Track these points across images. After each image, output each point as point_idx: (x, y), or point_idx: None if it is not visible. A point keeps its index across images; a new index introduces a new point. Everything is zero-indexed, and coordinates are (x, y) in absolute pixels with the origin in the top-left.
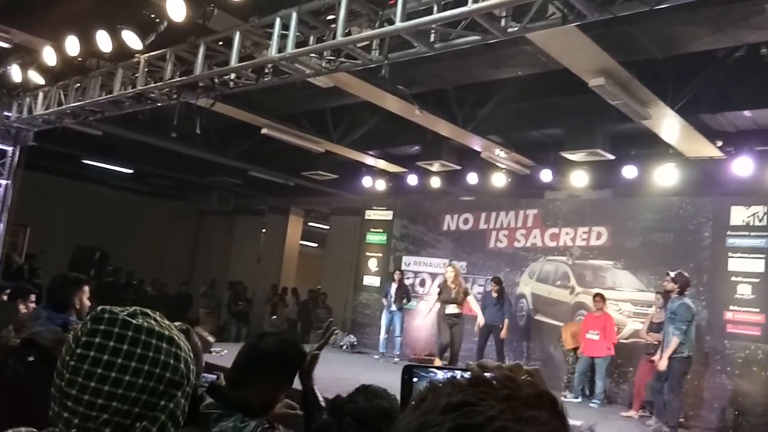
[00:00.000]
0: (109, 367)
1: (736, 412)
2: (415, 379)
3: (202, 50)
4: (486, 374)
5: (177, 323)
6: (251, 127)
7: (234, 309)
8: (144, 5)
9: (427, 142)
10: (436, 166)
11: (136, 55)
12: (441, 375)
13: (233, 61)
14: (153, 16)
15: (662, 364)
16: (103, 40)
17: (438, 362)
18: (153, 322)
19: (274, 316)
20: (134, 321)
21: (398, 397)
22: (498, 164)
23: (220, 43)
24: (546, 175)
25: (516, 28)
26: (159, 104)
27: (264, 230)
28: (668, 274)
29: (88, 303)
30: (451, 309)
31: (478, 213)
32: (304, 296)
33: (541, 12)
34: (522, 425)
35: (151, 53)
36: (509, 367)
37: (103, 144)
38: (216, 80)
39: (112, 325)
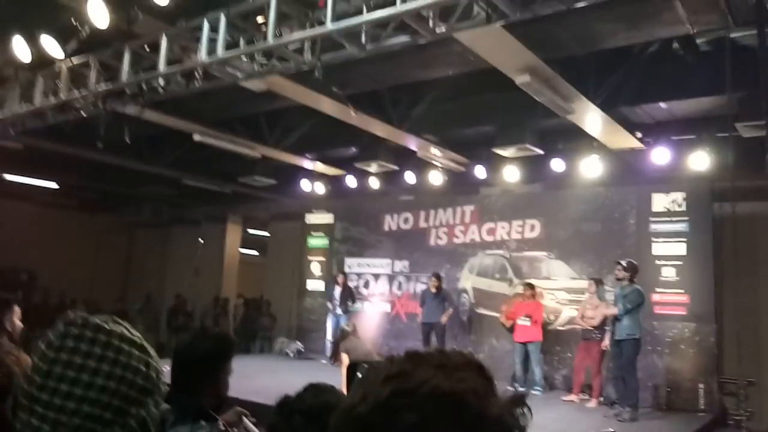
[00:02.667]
0: (82, 370)
1: (668, 389)
2: (359, 374)
3: (127, 56)
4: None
5: (101, 316)
6: (183, 135)
7: (173, 324)
8: (63, 11)
9: (363, 143)
10: (374, 167)
11: (58, 62)
12: None
13: (161, 66)
14: (74, 21)
15: (605, 343)
16: (20, 47)
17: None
18: (124, 329)
19: (216, 328)
20: (107, 326)
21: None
22: (434, 163)
23: (147, 48)
24: (480, 172)
25: (443, 29)
26: (84, 114)
27: (201, 240)
28: (619, 263)
29: (20, 324)
30: None
31: (418, 212)
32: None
33: (466, 12)
34: (452, 382)
35: (74, 60)
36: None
37: (25, 158)
38: (144, 86)
39: (85, 329)
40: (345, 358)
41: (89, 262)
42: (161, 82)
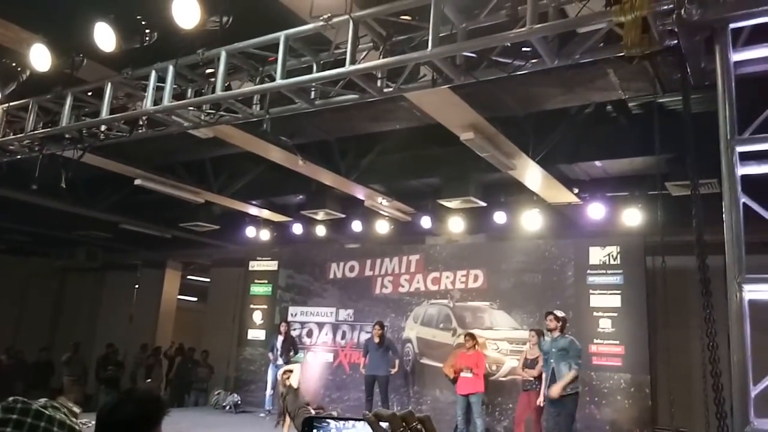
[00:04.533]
0: None
1: None
2: (314, 430)
3: (69, 101)
4: (381, 423)
5: (41, 400)
6: (123, 178)
7: (102, 374)
8: (3, 53)
9: (311, 191)
10: (321, 215)
11: None
12: (338, 425)
13: (104, 113)
14: (14, 64)
15: (555, 392)
16: None
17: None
18: (63, 415)
19: (149, 380)
20: (47, 412)
21: None
22: (381, 212)
23: (90, 93)
24: (426, 222)
25: (391, 89)
26: (19, 156)
27: (137, 286)
28: (552, 314)
29: None
30: None
31: (364, 260)
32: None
33: (413, 74)
34: None
35: (12, 103)
36: (402, 415)
37: None
38: (84, 132)
39: (25, 416)
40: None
41: (15, 307)
42: (103, 128)
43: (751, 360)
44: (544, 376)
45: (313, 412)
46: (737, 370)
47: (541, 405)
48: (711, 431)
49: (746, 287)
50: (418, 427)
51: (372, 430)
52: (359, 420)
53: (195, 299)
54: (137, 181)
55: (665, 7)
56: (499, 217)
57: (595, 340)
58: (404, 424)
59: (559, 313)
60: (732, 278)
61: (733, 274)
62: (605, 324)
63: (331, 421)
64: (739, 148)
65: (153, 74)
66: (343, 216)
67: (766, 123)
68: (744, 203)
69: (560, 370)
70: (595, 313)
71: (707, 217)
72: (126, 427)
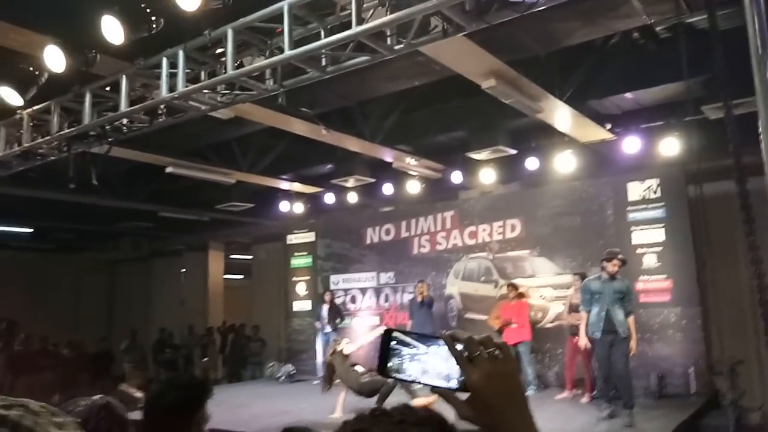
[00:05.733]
0: None
1: (660, 376)
2: (395, 345)
3: (88, 98)
4: (457, 345)
5: (95, 397)
6: (155, 167)
7: (160, 357)
8: (20, 58)
9: (338, 159)
10: (350, 182)
11: (18, 110)
12: (423, 347)
13: (123, 106)
14: (31, 68)
15: (634, 347)
16: None
17: None
18: (36, 421)
19: (206, 358)
20: (10, 416)
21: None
22: (410, 172)
23: (107, 88)
24: (457, 177)
25: (402, 45)
26: (49, 158)
27: (184, 270)
28: (618, 257)
29: None
30: None
31: (398, 222)
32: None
33: (423, 27)
34: None
35: (34, 107)
36: (480, 339)
37: None
38: (107, 127)
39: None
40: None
41: (71, 302)
42: (125, 121)
43: None
44: (585, 315)
45: (362, 370)
46: None
47: (584, 347)
48: (764, 360)
49: None
50: (496, 352)
51: (449, 350)
52: (437, 338)
53: (242, 277)
54: (168, 169)
55: None
56: (531, 163)
57: (642, 277)
58: (482, 347)
59: (622, 256)
60: None
61: None
62: (650, 260)
63: (413, 340)
64: None
65: (164, 61)
66: (373, 180)
67: None
68: None
69: (615, 313)
70: (639, 250)
71: (748, 138)
72: (170, 413)
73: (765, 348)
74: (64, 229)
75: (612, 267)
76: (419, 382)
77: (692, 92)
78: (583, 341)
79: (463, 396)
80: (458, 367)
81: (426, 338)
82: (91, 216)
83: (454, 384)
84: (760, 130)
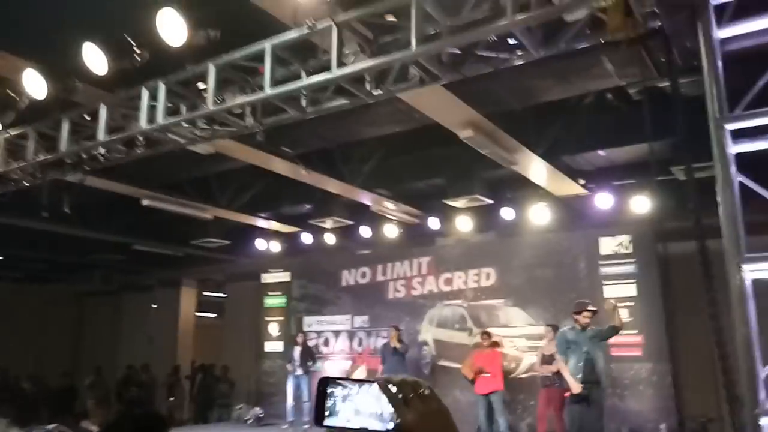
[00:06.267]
0: None
1: (630, 430)
2: (329, 390)
3: (66, 126)
4: (391, 387)
5: (50, 426)
6: (131, 199)
7: (125, 395)
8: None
9: (317, 200)
10: (329, 223)
11: None
12: (352, 386)
13: (101, 135)
14: (11, 93)
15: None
16: None
17: None
18: None
19: (172, 398)
20: None
21: None
22: (388, 216)
23: (86, 117)
24: (434, 223)
25: (381, 91)
26: (24, 184)
27: (155, 306)
28: (586, 308)
29: None
30: None
31: (375, 265)
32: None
33: (401, 75)
34: None
35: (11, 132)
36: (411, 381)
37: None
38: (84, 155)
39: None
40: None
41: (35, 334)
42: (102, 150)
43: (758, 341)
44: (567, 365)
45: None
46: (742, 351)
47: (578, 391)
48: (736, 418)
49: (746, 267)
50: (426, 392)
51: (383, 393)
52: (372, 383)
53: (214, 315)
54: (144, 201)
55: None
56: (507, 213)
57: None
58: (413, 389)
59: (592, 306)
60: (731, 259)
61: (731, 255)
62: (622, 314)
63: (346, 382)
64: (731, 126)
65: (145, 93)
66: (351, 223)
67: (760, 100)
68: (741, 182)
69: (597, 359)
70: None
71: (712, 201)
72: None
73: (727, 403)
74: (33, 259)
75: (583, 319)
76: (353, 429)
77: (661, 153)
78: (575, 387)
79: None
80: (390, 407)
81: (360, 382)
82: (62, 246)
83: (390, 426)
84: (718, 190)
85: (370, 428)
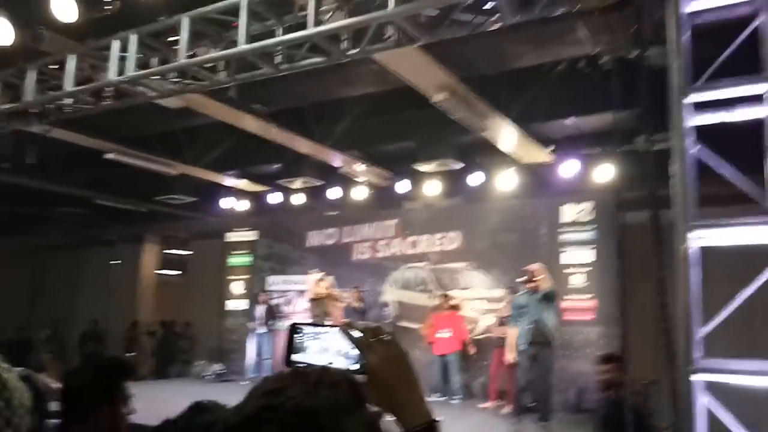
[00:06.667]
0: None
1: (579, 391)
2: (296, 335)
3: (32, 75)
4: (353, 332)
5: (18, 368)
6: (96, 152)
7: (83, 350)
8: None
9: (287, 159)
10: (297, 183)
11: None
12: (317, 330)
13: (68, 85)
14: None
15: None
16: None
17: None
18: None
19: (132, 353)
20: None
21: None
22: (357, 178)
23: (54, 66)
24: (403, 186)
25: (356, 50)
26: None
27: (115, 261)
28: (528, 271)
29: None
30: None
31: (341, 227)
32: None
33: (377, 35)
34: (314, 400)
35: None
36: (373, 327)
37: None
38: (49, 106)
39: None
40: None
41: None
42: (68, 101)
43: (700, 304)
44: (512, 332)
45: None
46: (681, 311)
47: (513, 361)
48: (675, 383)
49: (693, 234)
50: (387, 338)
51: (345, 336)
52: (334, 327)
53: (177, 272)
54: (109, 155)
55: None
56: (475, 178)
57: (566, 297)
58: (374, 334)
59: (534, 266)
60: (679, 226)
61: (679, 220)
62: (578, 279)
63: (315, 327)
64: (693, 97)
65: (116, 44)
66: (320, 184)
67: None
68: (698, 155)
69: (545, 320)
70: (564, 270)
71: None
72: (84, 390)
73: (666, 363)
74: None
75: (529, 284)
76: (319, 365)
77: (626, 124)
78: (510, 355)
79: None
80: (356, 350)
81: (327, 326)
82: (21, 198)
83: (355, 367)
84: (672, 160)
85: (335, 365)
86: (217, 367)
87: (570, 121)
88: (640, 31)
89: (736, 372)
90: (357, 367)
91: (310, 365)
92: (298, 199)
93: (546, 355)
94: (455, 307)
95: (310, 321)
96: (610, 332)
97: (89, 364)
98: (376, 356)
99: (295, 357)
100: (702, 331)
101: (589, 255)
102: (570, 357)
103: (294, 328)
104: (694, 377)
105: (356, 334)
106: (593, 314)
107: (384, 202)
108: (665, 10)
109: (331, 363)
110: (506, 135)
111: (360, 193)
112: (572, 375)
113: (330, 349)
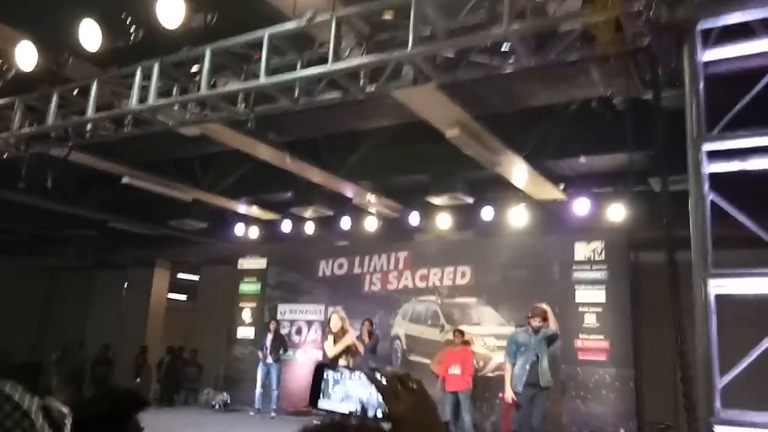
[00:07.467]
0: None
1: None
2: (323, 378)
3: (55, 99)
4: (380, 376)
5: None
6: (112, 176)
7: (92, 374)
8: None
9: (299, 188)
10: (309, 212)
11: None
12: (346, 373)
13: (90, 111)
14: (0, 61)
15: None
16: None
17: None
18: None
19: (138, 379)
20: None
21: None
22: (369, 209)
23: (76, 92)
24: (414, 219)
25: (373, 88)
26: (5, 155)
27: (126, 284)
28: (539, 309)
29: None
30: (343, 360)
31: (352, 257)
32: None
33: (395, 73)
34: None
35: None
36: (401, 374)
37: None
38: (70, 130)
39: None
40: None
41: (4, 307)
42: (89, 126)
43: (717, 352)
44: (511, 368)
45: None
46: (702, 361)
47: (511, 401)
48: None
49: (711, 282)
50: (415, 386)
51: (372, 383)
52: (363, 372)
53: (185, 298)
54: (125, 179)
55: (636, 9)
56: (487, 213)
57: (581, 335)
58: (402, 382)
59: (546, 308)
60: (697, 274)
61: (698, 269)
62: (590, 319)
63: (339, 368)
64: (708, 146)
65: (138, 72)
66: (332, 213)
67: (739, 120)
68: (713, 201)
69: (542, 362)
70: (580, 309)
71: (685, 213)
72: (97, 422)
73: (685, 410)
74: (6, 230)
75: (535, 323)
76: (343, 412)
77: (639, 164)
78: (508, 393)
79: (387, 426)
80: (377, 395)
81: (351, 369)
82: (35, 219)
83: (378, 414)
84: (690, 206)
85: (358, 413)
86: (223, 396)
87: (582, 160)
88: (654, 78)
89: (758, 425)
90: (380, 414)
91: (335, 412)
92: (310, 228)
93: (543, 396)
94: (467, 343)
95: (333, 364)
96: (623, 374)
97: (103, 396)
98: (404, 404)
99: (321, 403)
100: (723, 381)
101: (601, 295)
102: (583, 398)
103: (320, 370)
104: (717, 429)
105: (382, 380)
106: (606, 355)
107: (395, 233)
108: (681, 58)
109: (355, 411)
110: (519, 171)
111: (371, 224)
112: (585, 417)
113: (353, 396)
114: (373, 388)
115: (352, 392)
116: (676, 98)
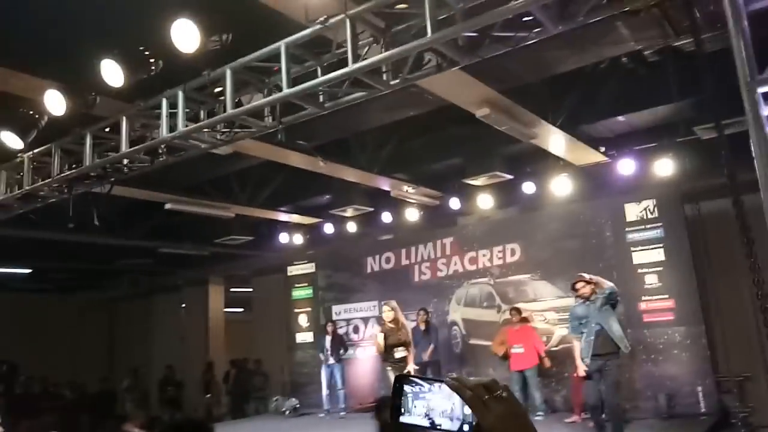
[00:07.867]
0: None
1: (668, 396)
2: (403, 392)
3: (89, 140)
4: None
5: None
6: (154, 204)
7: (163, 396)
8: (20, 103)
9: (336, 190)
10: (349, 212)
11: (19, 154)
12: (425, 385)
13: (123, 147)
14: (31, 112)
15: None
16: None
17: None
18: None
19: (209, 395)
20: None
21: None
22: (408, 200)
23: (108, 129)
24: (455, 203)
25: (398, 80)
26: (51, 200)
27: (183, 305)
28: (581, 280)
29: None
30: (400, 353)
31: (398, 250)
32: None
33: (417, 63)
34: None
35: (35, 150)
36: (486, 383)
37: None
38: (108, 168)
39: None
40: None
41: (71, 343)
42: (125, 161)
43: None
44: (578, 342)
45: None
46: None
47: (583, 374)
48: None
49: None
50: (503, 394)
51: (457, 394)
52: (442, 382)
53: (242, 310)
54: (167, 205)
55: None
56: (528, 187)
57: (644, 297)
58: (489, 390)
59: (587, 276)
60: None
61: None
62: (651, 279)
63: (418, 380)
64: (761, 89)
65: (164, 102)
66: (372, 209)
67: None
68: None
69: (611, 328)
70: (639, 270)
71: (740, 156)
72: None
73: None
74: (63, 269)
75: (582, 290)
76: (426, 426)
77: (683, 114)
78: (580, 368)
79: None
80: (462, 406)
81: (431, 380)
82: (89, 255)
83: (465, 428)
84: (753, 151)
85: (443, 427)
86: (292, 402)
87: (620, 119)
88: (694, 21)
89: None
90: (467, 428)
91: (419, 427)
92: (352, 227)
93: (613, 366)
94: (526, 320)
95: (413, 375)
96: (693, 331)
97: (172, 427)
98: (493, 415)
99: (403, 419)
100: None
101: (659, 254)
102: (655, 361)
103: (400, 383)
104: None
105: (467, 392)
106: (672, 315)
107: (438, 220)
108: (720, 1)
109: (439, 426)
110: (556, 141)
111: (412, 215)
112: (659, 379)
113: (436, 409)
114: (456, 398)
115: (435, 405)
116: (713, 41)
